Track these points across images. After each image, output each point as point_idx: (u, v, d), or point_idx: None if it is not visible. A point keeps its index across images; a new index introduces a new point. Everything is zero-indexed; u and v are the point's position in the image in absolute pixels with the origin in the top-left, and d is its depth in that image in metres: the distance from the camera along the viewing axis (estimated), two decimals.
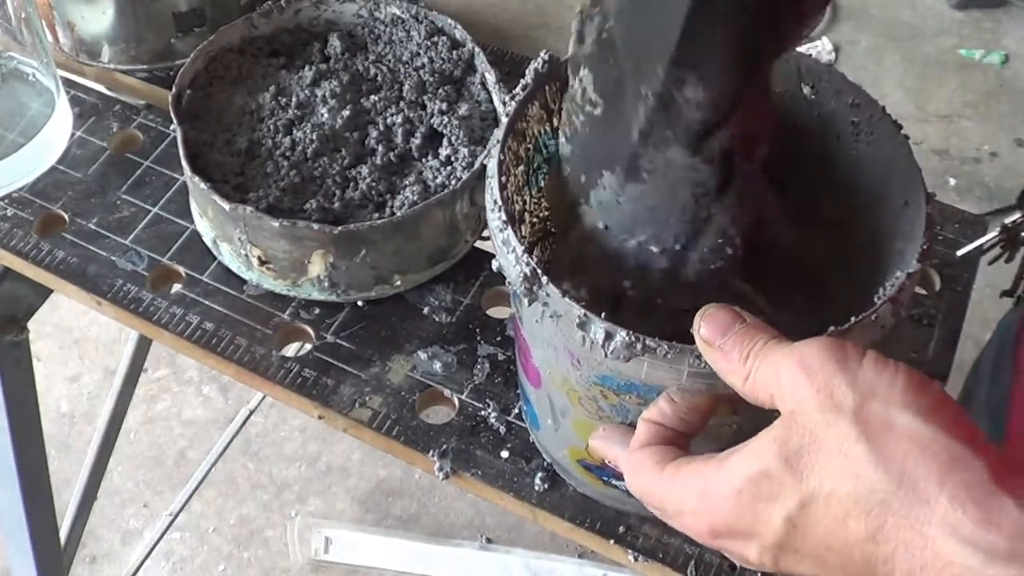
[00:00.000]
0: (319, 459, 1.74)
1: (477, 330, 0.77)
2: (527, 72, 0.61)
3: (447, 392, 0.74)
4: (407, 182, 0.77)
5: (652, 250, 0.55)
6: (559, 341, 0.55)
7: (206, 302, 0.78)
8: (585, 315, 0.50)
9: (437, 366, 0.75)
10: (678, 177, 0.52)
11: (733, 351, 0.46)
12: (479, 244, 0.80)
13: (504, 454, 0.71)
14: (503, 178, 0.56)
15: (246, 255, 0.76)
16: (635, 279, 0.56)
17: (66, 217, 0.83)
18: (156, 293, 0.79)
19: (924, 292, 0.79)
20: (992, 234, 0.80)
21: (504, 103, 0.63)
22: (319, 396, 0.73)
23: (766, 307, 0.61)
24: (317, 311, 0.78)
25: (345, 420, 0.73)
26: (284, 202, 0.75)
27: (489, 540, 1.64)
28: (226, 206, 0.72)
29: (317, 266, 0.74)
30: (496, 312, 0.78)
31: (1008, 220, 0.80)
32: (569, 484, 0.69)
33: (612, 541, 0.68)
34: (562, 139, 0.58)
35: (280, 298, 0.78)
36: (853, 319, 0.49)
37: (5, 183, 0.84)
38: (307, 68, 0.83)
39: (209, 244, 0.80)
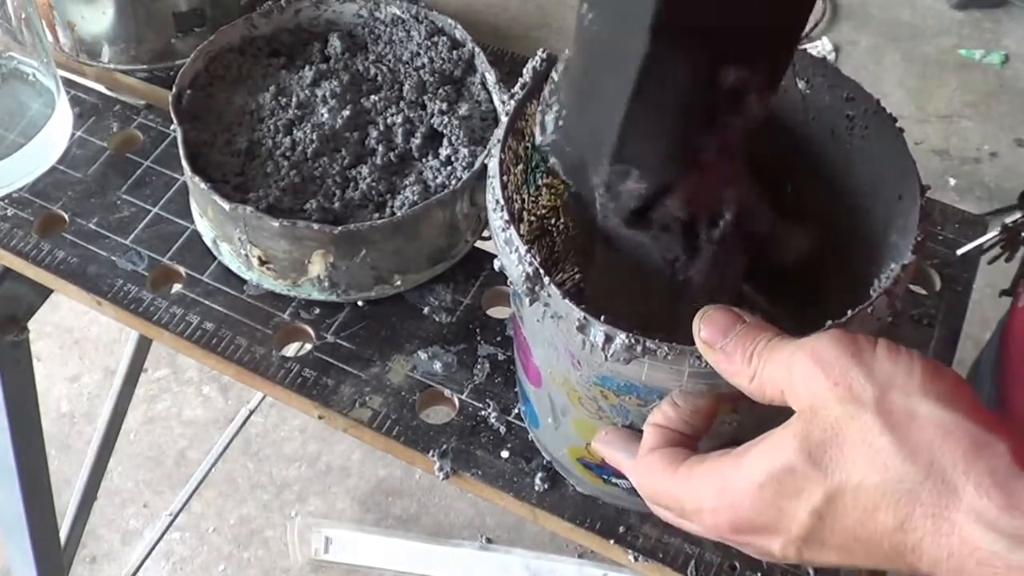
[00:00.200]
0: (319, 459, 1.74)
1: (477, 330, 0.77)
2: (526, 71, 0.61)
3: (447, 392, 0.74)
4: (407, 182, 0.77)
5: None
6: (560, 341, 0.55)
7: (206, 302, 0.78)
8: (585, 318, 0.50)
9: (437, 366, 0.75)
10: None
11: (735, 352, 0.47)
12: (479, 244, 0.80)
13: (504, 454, 0.71)
14: (504, 177, 0.56)
15: (246, 255, 0.76)
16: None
17: (66, 217, 0.83)
18: (156, 293, 0.79)
19: (924, 292, 0.79)
20: (992, 234, 0.80)
21: (504, 103, 0.63)
22: (319, 396, 0.73)
23: (766, 306, 0.61)
24: (317, 311, 0.78)
25: (345, 420, 0.73)
26: (284, 202, 0.75)
27: (489, 540, 1.64)
28: (226, 206, 0.72)
29: (317, 266, 0.74)
30: (496, 312, 0.78)
31: (1008, 220, 0.80)
32: (569, 483, 0.69)
33: (612, 541, 0.68)
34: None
35: (280, 298, 0.78)
36: (850, 312, 0.49)
37: (5, 183, 0.84)
38: (307, 68, 0.83)
39: (209, 244, 0.80)
